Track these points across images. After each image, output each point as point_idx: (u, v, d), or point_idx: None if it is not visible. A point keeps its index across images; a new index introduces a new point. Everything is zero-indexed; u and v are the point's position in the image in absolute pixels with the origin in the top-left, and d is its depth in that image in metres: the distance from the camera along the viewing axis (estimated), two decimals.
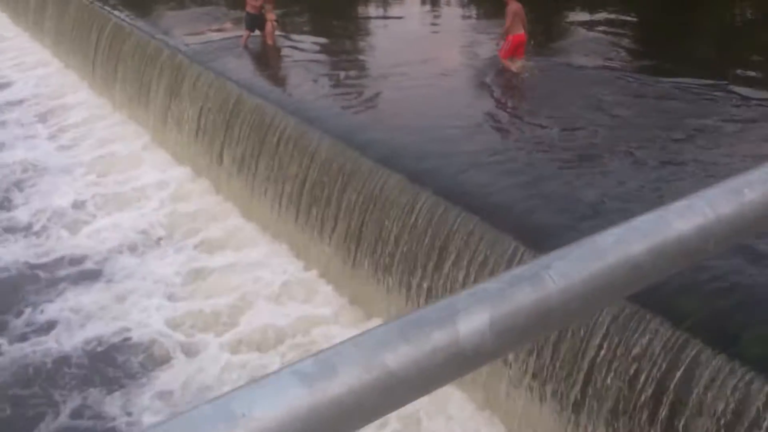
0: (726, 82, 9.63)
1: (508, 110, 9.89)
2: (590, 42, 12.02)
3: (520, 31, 10.46)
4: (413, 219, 7.26)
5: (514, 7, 10.36)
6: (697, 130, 8.20)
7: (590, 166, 7.51)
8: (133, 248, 9.72)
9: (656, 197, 6.60)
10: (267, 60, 12.57)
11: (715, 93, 9.30)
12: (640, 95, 9.47)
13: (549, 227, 6.44)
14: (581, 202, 6.73)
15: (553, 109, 9.11)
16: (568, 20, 14.18)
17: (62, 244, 10.00)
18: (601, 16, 13.93)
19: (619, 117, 8.81)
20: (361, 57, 12.22)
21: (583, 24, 13.38)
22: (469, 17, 15.46)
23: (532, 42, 10.99)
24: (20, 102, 15.69)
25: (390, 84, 10.46)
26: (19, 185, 11.90)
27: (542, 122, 8.77)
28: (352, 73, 11.32)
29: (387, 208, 7.62)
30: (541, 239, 6.20)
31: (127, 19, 15.11)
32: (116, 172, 12.03)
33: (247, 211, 10.19)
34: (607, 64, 10.75)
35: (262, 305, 8.20)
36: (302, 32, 13.63)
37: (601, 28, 12.98)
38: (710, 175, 6.96)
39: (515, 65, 10.58)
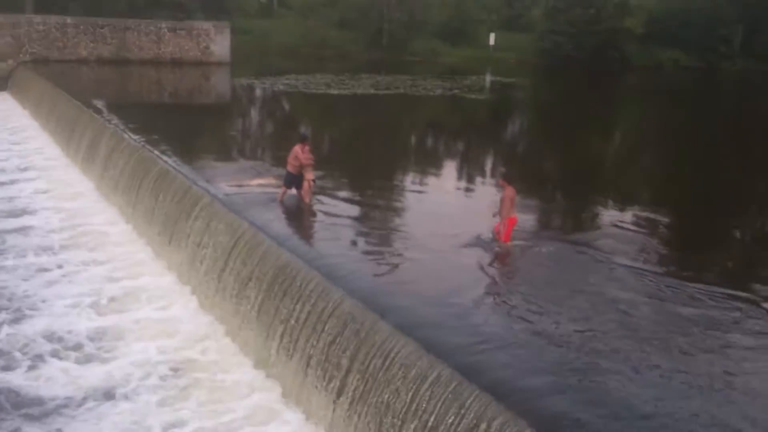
0: (750, 294, 9.64)
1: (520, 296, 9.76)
2: (614, 237, 12.24)
3: (514, 214, 11.12)
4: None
5: (510, 192, 10.98)
6: (714, 340, 8.09)
7: (585, 370, 7.20)
8: None
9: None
10: (300, 216, 12.96)
11: (737, 304, 9.27)
12: (660, 298, 9.43)
13: None
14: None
15: (562, 301, 9.07)
16: (597, 213, 14.60)
17: None
18: (631, 213, 14.40)
19: (632, 317, 8.64)
20: (386, 225, 12.52)
21: (611, 219, 13.73)
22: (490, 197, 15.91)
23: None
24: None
25: (408, 254, 10.71)
26: None
27: (547, 312, 8.67)
28: (375, 239, 11.60)
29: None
30: None
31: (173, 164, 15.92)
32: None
33: (263, 363, 10.11)
34: (629, 262, 10.82)
35: None
36: (337, 196, 14.13)
37: (628, 225, 13.29)
38: (721, 389, 6.88)
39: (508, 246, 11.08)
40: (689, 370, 7.30)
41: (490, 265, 10.59)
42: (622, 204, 15.54)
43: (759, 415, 6.49)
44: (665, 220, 14.22)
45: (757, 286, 10.22)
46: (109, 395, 9.45)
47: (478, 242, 11.32)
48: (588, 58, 59.32)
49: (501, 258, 10.96)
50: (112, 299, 12.43)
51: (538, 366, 7.22)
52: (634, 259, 10.91)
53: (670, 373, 7.17)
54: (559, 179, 19.01)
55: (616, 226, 13.10)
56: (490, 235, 11.36)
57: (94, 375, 9.96)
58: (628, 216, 14.23)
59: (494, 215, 11.34)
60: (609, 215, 14.28)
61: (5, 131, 26.19)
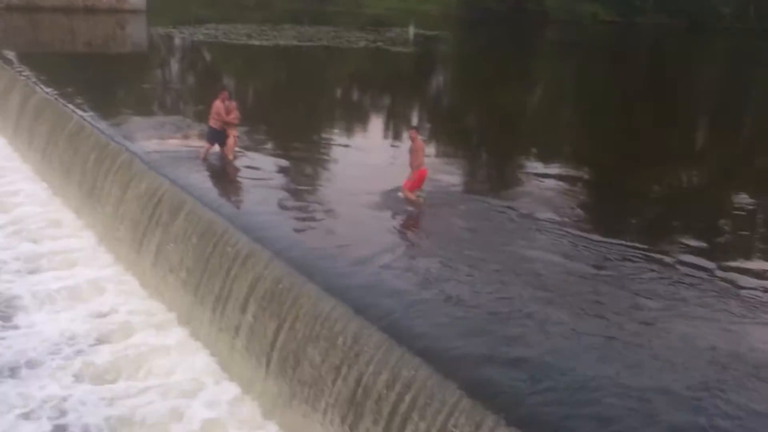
0: (664, 255, 9.94)
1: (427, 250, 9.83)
2: (532, 195, 12.64)
3: (424, 166, 11.27)
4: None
5: (419, 143, 11.22)
6: (625, 301, 8.24)
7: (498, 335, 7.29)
8: None
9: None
10: (225, 175, 12.82)
11: (652, 265, 9.45)
12: (574, 258, 9.58)
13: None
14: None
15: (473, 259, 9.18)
16: (516, 170, 15.03)
17: None
18: (550, 170, 14.80)
19: (541, 277, 8.80)
20: (305, 182, 12.56)
21: (530, 175, 14.15)
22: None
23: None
24: None
25: (321, 215, 10.85)
26: None
27: (458, 275, 8.67)
28: (294, 196, 11.64)
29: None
30: None
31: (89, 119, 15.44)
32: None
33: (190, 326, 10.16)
34: (545, 221, 11.17)
35: None
36: (260, 152, 14.05)
37: (547, 182, 13.68)
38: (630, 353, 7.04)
39: (415, 195, 11.29)
40: (600, 332, 7.39)
41: (403, 224, 10.83)
42: (542, 160, 15.96)
43: (669, 383, 6.49)
44: (584, 176, 14.71)
45: (673, 246, 10.53)
46: None
47: (391, 199, 11.45)
48: (509, 11, 59.80)
49: (413, 216, 11.12)
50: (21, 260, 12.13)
51: (450, 333, 7.23)
52: (551, 218, 11.22)
53: (581, 335, 7.25)
54: (478, 135, 19.42)
55: (535, 182, 13.51)
56: (400, 193, 11.45)
57: None
58: (547, 172, 14.59)
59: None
60: (528, 172, 14.64)
61: None
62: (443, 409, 6.24)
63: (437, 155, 15.92)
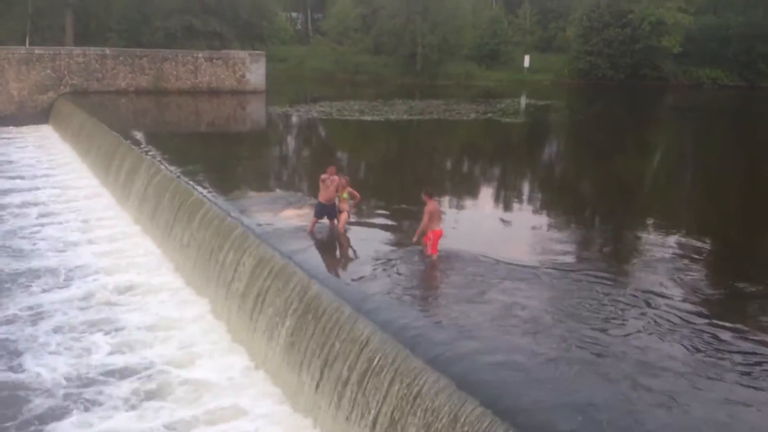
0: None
1: None
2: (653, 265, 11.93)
3: (438, 228, 11.56)
4: None
5: (431, 207, 11.48)
6: None
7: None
8: None
9: None
10: (332, 246, 12.86)
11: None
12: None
13: None
14: None
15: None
16: (637, 240, 14.32)
17: None
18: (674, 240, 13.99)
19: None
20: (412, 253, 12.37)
21: (652, 246, 13.43)
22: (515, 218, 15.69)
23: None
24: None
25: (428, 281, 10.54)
26: None
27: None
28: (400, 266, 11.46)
29: None
30: None
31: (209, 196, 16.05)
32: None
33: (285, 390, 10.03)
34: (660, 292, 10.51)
35: None
36: (372, 223, 14.07)
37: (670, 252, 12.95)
38: None
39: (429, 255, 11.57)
40: None
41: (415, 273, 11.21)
42: (661, 230, 15.08)
43: None
44: (708, 248, 13.84)
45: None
46: None
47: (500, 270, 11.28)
48: (624, 77, 58.71)
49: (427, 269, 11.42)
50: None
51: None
52: (663, 294, 10.55)
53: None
54: (592, 204, 18.72)
55: (653, 253, 12.79)
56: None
57: None
58: (665, 242, 13.82)
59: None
60: (646, 243, 13.92)
61: (45, 165, 26.66)
62: None
63: (549, 225, 15.53)
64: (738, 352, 8.52)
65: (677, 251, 13.12)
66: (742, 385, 7.72)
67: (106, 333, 12.62)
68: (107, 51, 40.54)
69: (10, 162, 26.80)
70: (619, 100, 50.89)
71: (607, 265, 12.16)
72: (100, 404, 10.40)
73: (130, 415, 10.12)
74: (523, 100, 46.89)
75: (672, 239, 14.12)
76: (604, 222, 16.42)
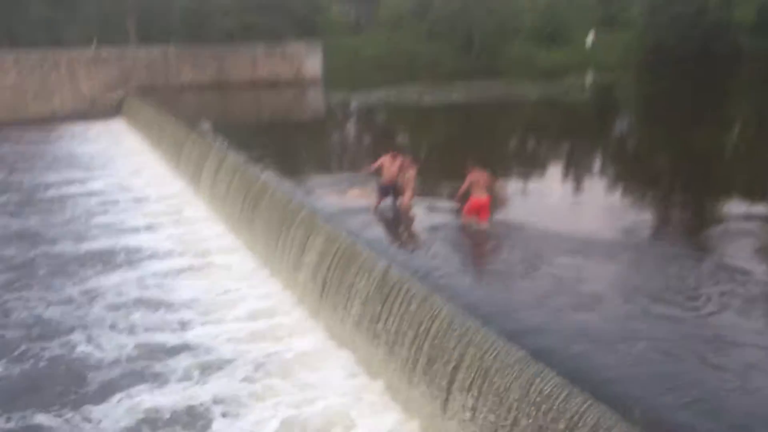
0: None
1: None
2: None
3: (479, 195, 11.81)
4: None
5: (472, 176, 11.81)
6: None
7: None
8: None
9: None
10: (394, 225, 12.81)
11: None
12: None
13: None
14: None
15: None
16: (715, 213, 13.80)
17: None
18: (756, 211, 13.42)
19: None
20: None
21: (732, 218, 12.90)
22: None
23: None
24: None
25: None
26: None
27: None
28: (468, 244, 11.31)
29: None
30: None
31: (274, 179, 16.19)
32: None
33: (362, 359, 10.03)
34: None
35: None
36: (435, 202, 13.91)
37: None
38: None
39: (477, 225, 11.86)
40: None
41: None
42: (740, 202, 14.52)
43: None
44: None
45: None
46: None
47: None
48: (694, 52, 56.70)
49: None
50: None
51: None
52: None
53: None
54: (667, 178, 18.12)
55: (732, 226, 12.27)
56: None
57: None
58: (747, 213, 13.26)
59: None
60: (725, 215, 13.39)
61: (122, 156, 27.64)
62: None
63: (622, 200, 15.14)
64: None
65: (759, 223, 12.57)
66: None
67: None
68: (170, 49, 41.42)
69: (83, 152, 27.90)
70: (690, 75, 49.16)
71: (683, 238, 11.75)
72: None
73: None
74: (588, 78, 45.79)
75: (754, 210, 13.54)
76: (680, 194, 15.86)
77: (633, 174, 18.08)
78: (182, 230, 17.87)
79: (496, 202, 12.16)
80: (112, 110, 37.40)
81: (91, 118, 36.66)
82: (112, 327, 12.26)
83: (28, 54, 36.80)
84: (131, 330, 12.14)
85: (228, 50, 42.75)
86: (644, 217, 13.02)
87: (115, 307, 13.09)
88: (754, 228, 12.21)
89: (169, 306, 13.07)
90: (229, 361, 10.78)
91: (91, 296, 13.70)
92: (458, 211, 12.32)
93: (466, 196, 12.01)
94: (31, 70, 36.57)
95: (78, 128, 34.76)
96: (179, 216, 19.11)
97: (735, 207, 14.04)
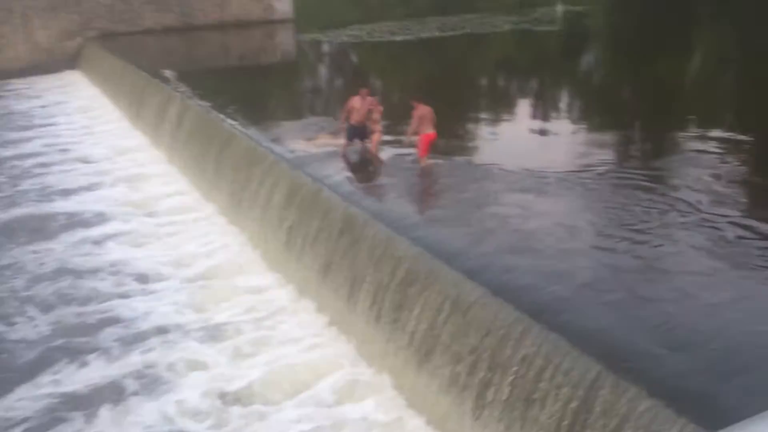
0: None
1: None
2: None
3: (430, 131, 11.59)
4: None
5: (420, 111, 11.57)
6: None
7: None
8: None
9: None
10: (365, 168, 12.66)
11: None
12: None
13: None
14: None
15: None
16: (678, 139, 13.76)
17: None
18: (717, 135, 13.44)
19: None
20: (453, 170, 12.08)
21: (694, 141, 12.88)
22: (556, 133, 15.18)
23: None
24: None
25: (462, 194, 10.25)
26: None
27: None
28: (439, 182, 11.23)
29: None
30: None
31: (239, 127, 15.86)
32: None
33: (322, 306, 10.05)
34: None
35: None
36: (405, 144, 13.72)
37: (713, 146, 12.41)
38: None
39: (425, 160, 11.89)
40: None
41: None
42: (704, 127, 14.49)
43: None
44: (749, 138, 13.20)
45: None
46: None
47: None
48: None
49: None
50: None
51: None
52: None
53: None
54: (634, 108, 18.00)
55: (693, 150, 12.29)
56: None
57: None
58: (709, 137, 13.23)
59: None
60: (687, 139, 13.39)
61: (79, 111, 26.72)
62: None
63: (591, 129, 15.15)
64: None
65: (718, 146, 12.67)
66: None
67: None
68: None
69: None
70: (659, 3, 48.44)
71: (642, 166, 11.79)
72: None
73: None
74: (559, 7, 45.04)
75: (711, 137, 13.55)
76: (641, 126, 15.81)
77: (596, 107, 18.07)
78: (135, 189, 17.15)
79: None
80: (70, 61, 36.00)
81: (50, 71, 34.84)
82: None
83: None
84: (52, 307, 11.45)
85: None
86: (604, 151, 13.08)
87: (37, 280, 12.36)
88: (710, 157, 12.23)
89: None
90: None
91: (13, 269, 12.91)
92: (414, 148, 12.18)
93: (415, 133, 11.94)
94: None
95: (28, 83, 32.60)
96: (134, 172, 18.39)
97: (693, 136, 14.06)
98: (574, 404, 6.06)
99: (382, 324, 8.78)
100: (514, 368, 6.70)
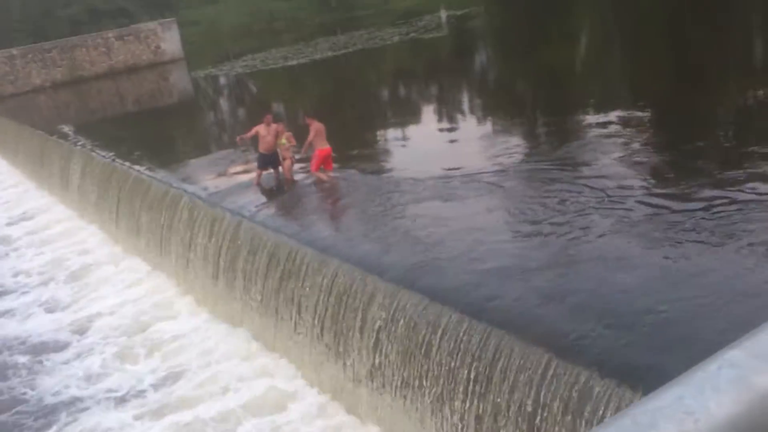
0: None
1: None
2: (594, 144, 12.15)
3: (324, 146, 12.01)
4: None
5: (314, 126, 12.01)
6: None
7: None
8: None
9: None
10: (280, 194, 12.82)
11: None
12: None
13: None
14: None
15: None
16: (579, 122, 14.48)
17: None
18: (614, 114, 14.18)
19: None
20: (363, 184, 12.40)
21: (594, 124, 13.60)
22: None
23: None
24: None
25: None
26: None
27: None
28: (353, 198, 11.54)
29: None
30: None
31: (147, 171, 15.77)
32: None
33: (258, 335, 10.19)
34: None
35: None
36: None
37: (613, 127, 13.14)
38: None
39: (326, 175, 12.23)
40: None
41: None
42: (599, 108, 15.32)
43: None
44: (645, 113, 14.05)
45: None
46: None
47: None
48: None
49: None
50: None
51: None
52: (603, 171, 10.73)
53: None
54: (530, 97, 18.83)
55: (594, 132, 12.98)
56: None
57: None
58: (606, 119, 14.00)
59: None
60: (586, 122, 14.09)
61: None
62: None
63: (493, 127, 15.67)
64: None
65: (616, 127, 13.19)
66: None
67: None
68: (14, 51, 38.93)
69: None
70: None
71: (548, 157, 12.10)
72: None
73: None
74: (443, 14, 46.40)
75: (613, 115, 14.10)
76: (541, 116, 16.51)
77: (495, 103, 18.73)
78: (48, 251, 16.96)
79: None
80: None
81: None
82: None
83: None
84: None
85: (77, 42, 40.53)
86: (508, 146, 13.21)
87: None
88: (610, 140, 12.62)
89: None
90: None
91: None
92: (307, 164, 12.61)
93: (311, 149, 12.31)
94: None
95: None
96: (43, 234, 18.11)
97: (591, 120, 14.50)
98: None
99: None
100: None
